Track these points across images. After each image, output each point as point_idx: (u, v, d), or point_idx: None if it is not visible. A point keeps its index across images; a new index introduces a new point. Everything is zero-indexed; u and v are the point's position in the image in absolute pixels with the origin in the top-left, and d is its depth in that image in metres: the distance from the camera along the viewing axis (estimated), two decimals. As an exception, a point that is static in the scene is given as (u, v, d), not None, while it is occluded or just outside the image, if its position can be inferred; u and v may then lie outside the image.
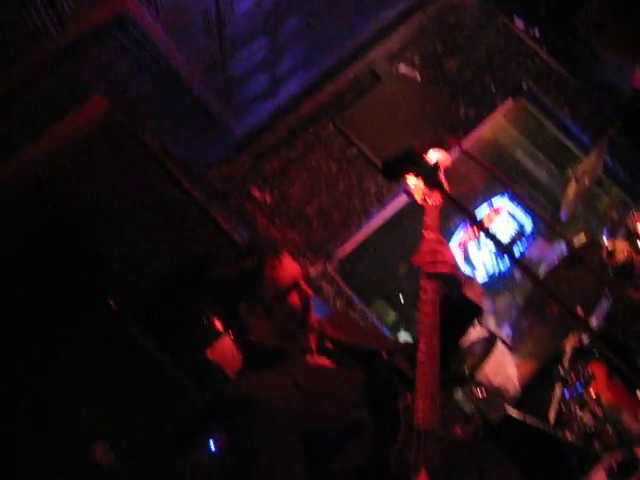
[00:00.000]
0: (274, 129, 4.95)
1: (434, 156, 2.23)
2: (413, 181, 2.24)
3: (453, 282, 2.17)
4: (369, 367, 2.12)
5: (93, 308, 2.80)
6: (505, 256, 5.06)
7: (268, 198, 4.80)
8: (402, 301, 5.61)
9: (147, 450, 2.72)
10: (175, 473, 2.72)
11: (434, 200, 2.19)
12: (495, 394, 4.00)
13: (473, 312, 2.25)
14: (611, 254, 3.36)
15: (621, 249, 3.38)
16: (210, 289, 2.19)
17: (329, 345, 2.19)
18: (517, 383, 4.06)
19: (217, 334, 2.94)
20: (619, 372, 3.52)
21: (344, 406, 1.99)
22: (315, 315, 2.16)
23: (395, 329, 5.43)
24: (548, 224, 2.54)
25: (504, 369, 4.08)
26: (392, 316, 5.62)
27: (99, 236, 3.00)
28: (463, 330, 2.33)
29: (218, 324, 3.03)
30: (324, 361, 2.15)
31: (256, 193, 4.76)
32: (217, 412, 2.09)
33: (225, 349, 2.93)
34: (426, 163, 1.58)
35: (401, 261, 5.51)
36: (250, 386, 2.01)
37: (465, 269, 5.32)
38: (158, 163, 3.16)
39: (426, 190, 2.19)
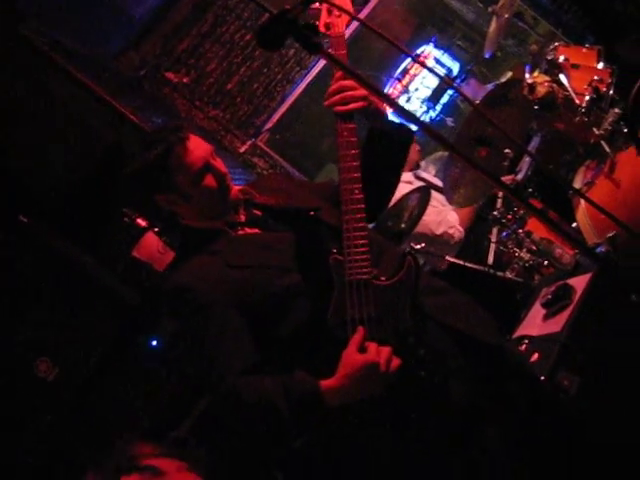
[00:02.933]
0: (179, 6, 4.65)
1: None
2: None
3: (373, 113, 2.08)
4: (297, 227, 2.10)
5: (4, 227, 2.67)
6: (435, 104, 4.97)
7: (185, 79, 4.58)
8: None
9: (91, 359, 2.71)
10: (122, 375, 2.74)
11: (336, 27, 2.08)
12: (441, 242, 4.05)
13: (407, 135, 2.17)
14: (532, 88, 3.29)
15: (542, 82, 3.31)
16: (124, 186, 2.15)
17: (257, 212, 2.15)
18: (460, 228, 4.11)
19: (140, 231, 2.87)
20: (551, 207, 3.57)
21: (273, 273, 1.98)
22: (236, 187, 2.13)
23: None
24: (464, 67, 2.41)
25: (445, 217, 4.12)
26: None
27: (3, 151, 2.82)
28: (400, 157, 2.26)
29: (141, 221, 2.98)
30: (253, 231, 2.13)
31: (171, 76, 4.54)
32: (158, 306, 2.08)
33: (151, 245, 2.87)
34: (300, 27, 1.46)
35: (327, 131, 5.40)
36: (183, 275, 2.00)
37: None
38: (49, 61, 2.93)
39: (328, 17, 2.09)
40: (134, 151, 2.13)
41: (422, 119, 5.11)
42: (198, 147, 2.04)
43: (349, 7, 2.15)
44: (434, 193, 3.93)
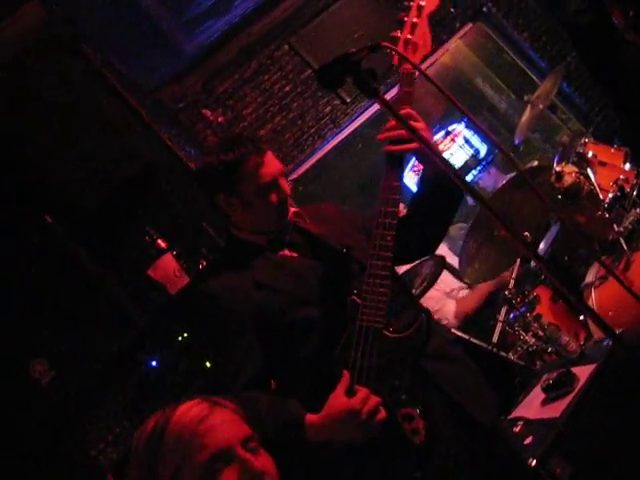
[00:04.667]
0: (227, 48, 4.79)
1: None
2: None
3: (423, 156, 2.12)
4: (329, 259, 2.17)
5: (30, 224, 2.71)
6: (467, 172, 5.04)
7: (220, 119, 4.67)
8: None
9: (87, 368, 2.71)
10: (116, 388, 2.73)
11: (413, 58, 2.08)
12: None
13: (458, 191, 2.17)
14: (559, 177, 3.36)
15: (569, 172, 3.38)
16: (196, 178, 2.36)
17: (299, 238, 2.23)
18: (454, 321, 4.10)
19: (159, 252, 2.90)
20: (562, 296, 3.58)
21: (296, 304, 2.07)
22: (293, 209, 2.23)
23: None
24: (498, 146, 2.49)
25: (442, 307, 4.12)
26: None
27: (38, 152, 2.89)
28: (450, 211, 2.27)
29: (161, 242, 3.01)
30: (292, 253, 2.20)
31: (207, 114, 4.63)
32: (183, 306, 2.20)
33: (167, 267, 2.90)
34: (361, 70, 1.53)
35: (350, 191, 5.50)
36: (213, 283, 2.12)
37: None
38: (100, 78, 3.03)
39: (404, 50, 2.09)
40: (166, 174, 2.22)
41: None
42: (272, 163, 2.13)
43: (429, 43, 2.14)
44: (443, 274, 3.96)
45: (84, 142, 2.96)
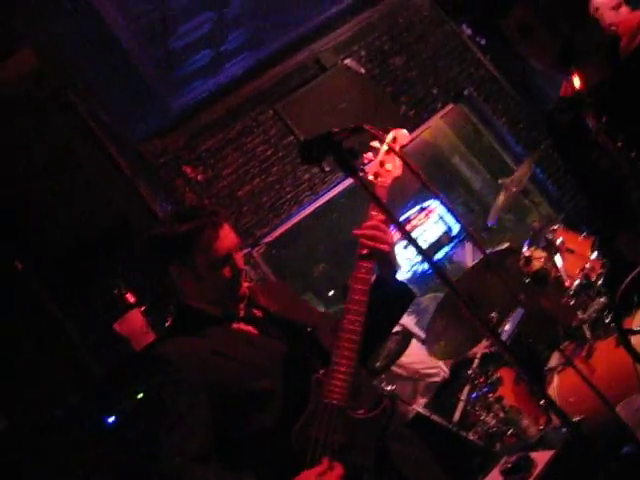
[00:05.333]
0: (213, 108, 4.88)
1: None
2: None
3: (389, 265, 2.18)
4: (291, 338, 2.14)
5: (-1, 268, 2.68)
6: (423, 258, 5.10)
7: (200, 177, 4.73)
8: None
9: (41, 419, 2.64)
10: (69, 441, 2.66)
11: (383, 179, 2.19)
12: (421, 380, 4.02)
13: (407, 297, 2.28)
14: (528, 261, 3.42)
15: (538, 258, 3.45)
16: (146, 248, 2.24)
17: (257, 313, 2.20)
18: (446, 369, 4.10)
19: (127, 307, 2.88)
20: (523, 379, 3.60)
21: (253, 373, 2.02)
22: (246, 284, 2.17)
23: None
24: (466, 229, 2.55)
25: (428, 358, 4.10)
26: (320, 310, 5.63)
27: (12, 194, 2.88)
28: (396, 315, 2.38)
29: (130, 297, 2.99)
30: (248, 328, 2.17)
31: (188, 170, 4.69)
32: (135, 367, 2.12)
33: (134, 323, 2.87)
34: (342, 149, 1.58)
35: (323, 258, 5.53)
36: (167, 348, 2.08)
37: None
38: (84, 126, 3.06)
39: (379, 167, 2.20)
40: (140, 227, 2.21)
41: (414, 269, 5.26)
42: (227, 237, 2.10)
43: (400, 167, 2.23)
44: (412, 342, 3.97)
45: (60, 189, 2.96)
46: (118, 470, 2.61)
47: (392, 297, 2.23)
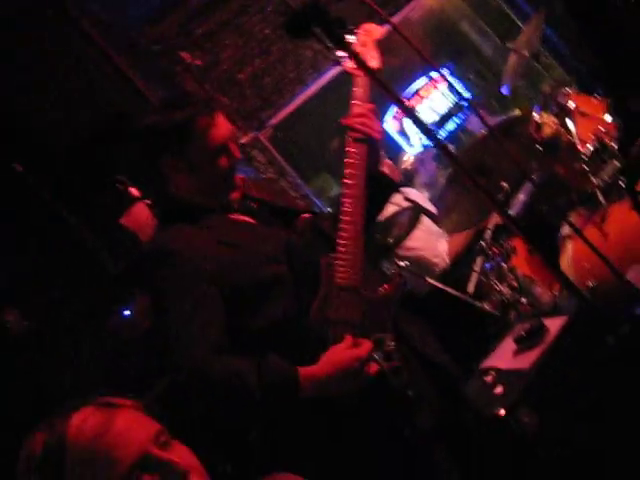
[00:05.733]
0: (205, -12, 4.66)
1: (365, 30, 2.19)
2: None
3: (375, 152, 2.18)
4: (291, 227, 2.12)
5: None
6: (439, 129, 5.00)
7: (198, 62, 4.57)
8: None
9: (60, 317, 2.69)
10: (91, 337, 2.71)
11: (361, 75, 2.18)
12: (424, 267, 4.06)
13: (389, 188, 2.37)
14: (539, 128, 3.32)
15: (549, 123, 3.35)
16: (134, 138, 2.10)
17: (252, 204, 2.17)
18: (447, 258, 4.12)
19: (132, 200, 2.86)
20: (537, 247, 3.59)
21: (262, 259, 1.98)
22: (240, 175, 2.13)
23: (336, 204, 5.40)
24: (467, 100, 2.43)
25: (434, 244, 4.13)
26: (336, 190, 5.58)
27: (9, 97, 2.80)
28: (378, 206, 2.37)
29: (133, 191, 2.97)
30: (246, 218, 2.14)
31: (186, 56, 4.53)
32: (137, 266, 2.03)
33: (140, 216, 2.85)
34: (329, 18, 1.48)
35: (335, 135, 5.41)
36: (170, 239, 1.97)
37: (400, 140, 5.29)
38: (78, 24, 2.92)
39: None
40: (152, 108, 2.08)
41: (425, 142, 5.13)
42: (224, 125, 2.03)
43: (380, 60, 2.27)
44: (424, 218, 3.95)
45: (57, 87, 2.87)
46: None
47: (374, 187, 2.19)
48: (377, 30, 2.27)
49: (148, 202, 2.85)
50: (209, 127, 1.97)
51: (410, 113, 1.86)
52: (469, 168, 3.47)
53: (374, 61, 2.25)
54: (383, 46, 2.35)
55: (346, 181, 2.07)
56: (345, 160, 2.09)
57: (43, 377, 2.58)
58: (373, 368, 1.86)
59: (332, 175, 5.65)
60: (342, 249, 1.98)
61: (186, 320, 1.85)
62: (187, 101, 2.04)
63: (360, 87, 2.19)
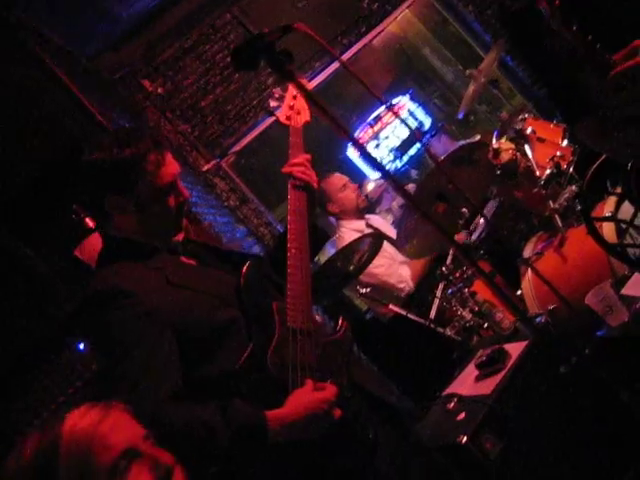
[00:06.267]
0: (165, 17, 4.65)
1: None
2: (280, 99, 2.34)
3: (312, 201, 2.27)
4: (237, 270, 2.06)
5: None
6: (402, 154, 5.04)
7: (160, 89, 4.56)
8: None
9: (12, 349, 2.62)
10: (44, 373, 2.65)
11: (294, 122, 2.35)
12: (388, 292, 4.07)
13: (323, 239, 2.46)
14: (497, 153, 3.36)
15: (506, 149, 3.38)
16: (80, 174, 1.97)
17: (195, 248, 2.13)
18: (411, 283, 4.14)
19: (86, 232, 2.81)
20: (499, 271, 3.62)
21: (216, 302, 1.92)
22: (184, 218, 2.07)
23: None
24: (414, 134, 2.44)
25: (397, 269, 4.15)
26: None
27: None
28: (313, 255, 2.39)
29: (89, 221, 2.92)
30: (190, 261, 2.07)
31: (147, 84, 4.51)
32: (85, 307, 1.87)
33: (94, 248, 2.80)
34: (275, 51, 1.48)
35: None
36: (118, 278, 1.84)
37: (363, 167, 5.32)
38: (30, 51, 2.88)
39: (289, 111, 2.37)
40: (97, 143, 2.00)
41: (387, 167, 5.17)
42: (173, 163, 1.97)
43: (309, 114, 2.42)
44: (386, 244, 3.97)
45: (10, 115, 2.82)
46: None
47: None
48: (306, 83, 2.44)
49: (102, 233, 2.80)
50: (159, 165, 1.91)
51: (359, 147, 1.87)
52: (429, 194, 3.49)
53: (304, 112, 2.40)
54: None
55: (290, 227, 2.12)
56: (288, 207, 2.17)
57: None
58: (337, 412, 1.83)
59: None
60: (291, 293, 1.98)
61: (143, 368, 1.74)
62: (136, 138, 1.92)
63: (295, 137, 2.33)
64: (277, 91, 2.50)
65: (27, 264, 2.69)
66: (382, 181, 4.93)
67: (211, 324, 1.88)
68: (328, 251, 4.12)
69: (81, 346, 2.68)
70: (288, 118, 2.37)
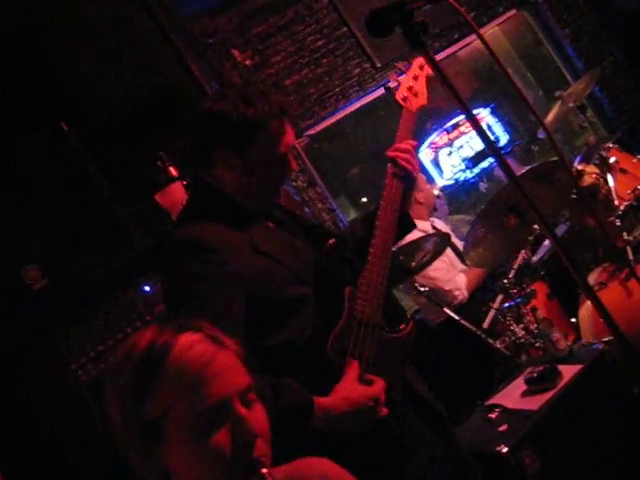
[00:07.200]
0: (267, -10, 4.69)
1: None
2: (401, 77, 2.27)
3: (409, 190, 2.21)
4: (320, 248, 2.06)
5: (44, 127, 2.63)
6: (474, 165, 5.01)
7: (248, 61, 4.59)
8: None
9: (80, 280, 2.67)
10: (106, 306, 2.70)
11: (410, 104, 2.24)
12: (441, 297, 4.04)
13: (410, 228, 2.34)
14: (580, 175, 3.32)
15: (590, 173, 3.35)
16: (198, 118, 1.95)
17: (282, 215, 2.11)
18: (466, 292, 4.10)
19: (170, 179, 2.85)
20: (558, 295, 3.58)
21: (294, 277, 1.91)
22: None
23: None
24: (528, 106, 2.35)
25: (453, 277, 4.11)
26: (352, 214, 5.57)
27: (60, 56, 2.79)
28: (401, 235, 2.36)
29: (172, 170, 2.97)
30: (281, 230, 2.07)
31: (236, 53, 4.55)
32: (167, 253, 1.87)
33: (176, 196, 2.85)
34: (413, 21, 1.47)
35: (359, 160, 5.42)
36: (207, 234, 1.84)
37: (432, 171, 5.31)
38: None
39: (407, 92, 2.26)
40: (187, 100, 2.02)
41: (457, 176, 5.16)
42: (291, 134, 1.95)
43: (426, 96, 2.31)
44: (448, 250, 3.94)
45: (108, 53, 2.87)
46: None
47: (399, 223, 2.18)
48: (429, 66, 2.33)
49: (185, 183, 2.84)
50: (279, 133, 1.88)
51: (478, 127, 1.80)
52: (503, 205, 3.46)
53: (422, 96, 2.29)
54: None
55: (381, 214, 2.05)
56: (383, 193, 2.11)
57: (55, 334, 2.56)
58: (383, 410, 1.81)
59: (348, 199, 5.66)
60: (366, 281, 1.94)
61: (210, 317, 1.77)
62: (263, 100, 1.87)
63: (407, 120, 2.23)
64: (400, 65, 2.40)
65: (105, 197, 2.73)
66: (442, 189, 4.91)
67: (283, 298, 1.87)
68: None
69: (147, 288, 2.73)
70: (404, 99, 2.24)
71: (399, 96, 2.26)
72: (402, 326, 2.02)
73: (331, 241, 2.06)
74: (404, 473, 1.92)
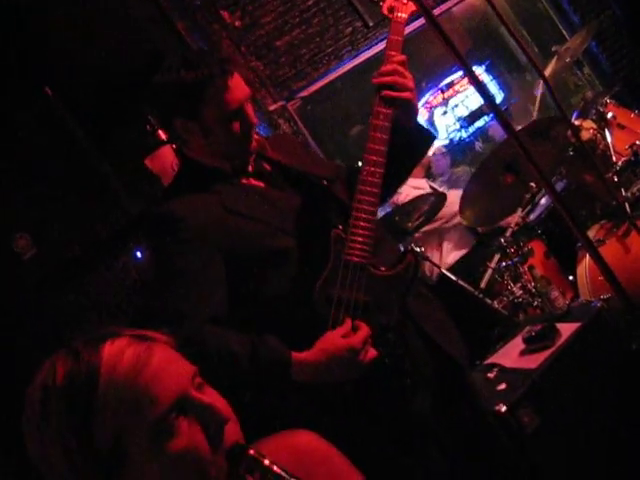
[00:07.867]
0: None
1: None
2: None
3: (411, 109, 2.05)
4: (305, 193, 2.01)
5: (29, 93, 2.57)
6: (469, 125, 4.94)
7: (237, 22, 4.50)
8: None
9: (69, 248, 2.63)
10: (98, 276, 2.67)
11: (401, 13, 2.04)
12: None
13: (427, 140, 2.19)
14: (577, 130, 3.27)
15: (587, 128, 3.29)
16: (150, 96, 1.98)
17: (266, 166, 2.05)
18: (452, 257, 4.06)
19: (159, 143, 2.79)
20: (555, 253, 3.55)
21: (270, 231, 1.88)
22: (256, 137, 2.00)
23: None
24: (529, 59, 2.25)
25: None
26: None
27: (42, 19, 2.72)
28: (417, 158, 2.30)
29: (162, 134, 2.91)
30: (258, 183, 2.02)
31: (225, 15, 4.46)
32: (144, 228, 1.92)
33: (165, 160, 2.80)
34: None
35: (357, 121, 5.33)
36: (177, 204, 1.86)
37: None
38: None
39: (394, 1, 2.06)
40: (166, 63, 1.97)
41: (452, 136, 5.09)
42: (239, 87, 1.89)
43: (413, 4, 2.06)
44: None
45: (92, 17, 2.79)
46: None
47: (414, 140, 2.10)
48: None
49: (174, 147, 2.79)
50: (222, 90, 1.85)
51: (477, 81, 1.70)
52: (499, 163, 3.42)
53: (411, 3, 2.04)
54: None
55: (370, 145, 1.93)
56: (371, 121, 1.95)
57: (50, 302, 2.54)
58: (371, 354, 1.78)
59: (342, 161, 5.59)
60: (355, 221, 1.87)
61: (187, 285, 1.77)
62: (202, 60, 1.87)
63: (395, 33, 2.03)
64: None
65: (94, 163, 2.68)
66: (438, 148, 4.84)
67: (261, 251, 1.86)
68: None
69: (138, 254, 2.69)
70: (390, 10, 2.06)
71: (386, 7, 2.09)
72: (396, 262, 1.94)
73: (336, 231, 1.94)
74: (404, 412, 1.91)
